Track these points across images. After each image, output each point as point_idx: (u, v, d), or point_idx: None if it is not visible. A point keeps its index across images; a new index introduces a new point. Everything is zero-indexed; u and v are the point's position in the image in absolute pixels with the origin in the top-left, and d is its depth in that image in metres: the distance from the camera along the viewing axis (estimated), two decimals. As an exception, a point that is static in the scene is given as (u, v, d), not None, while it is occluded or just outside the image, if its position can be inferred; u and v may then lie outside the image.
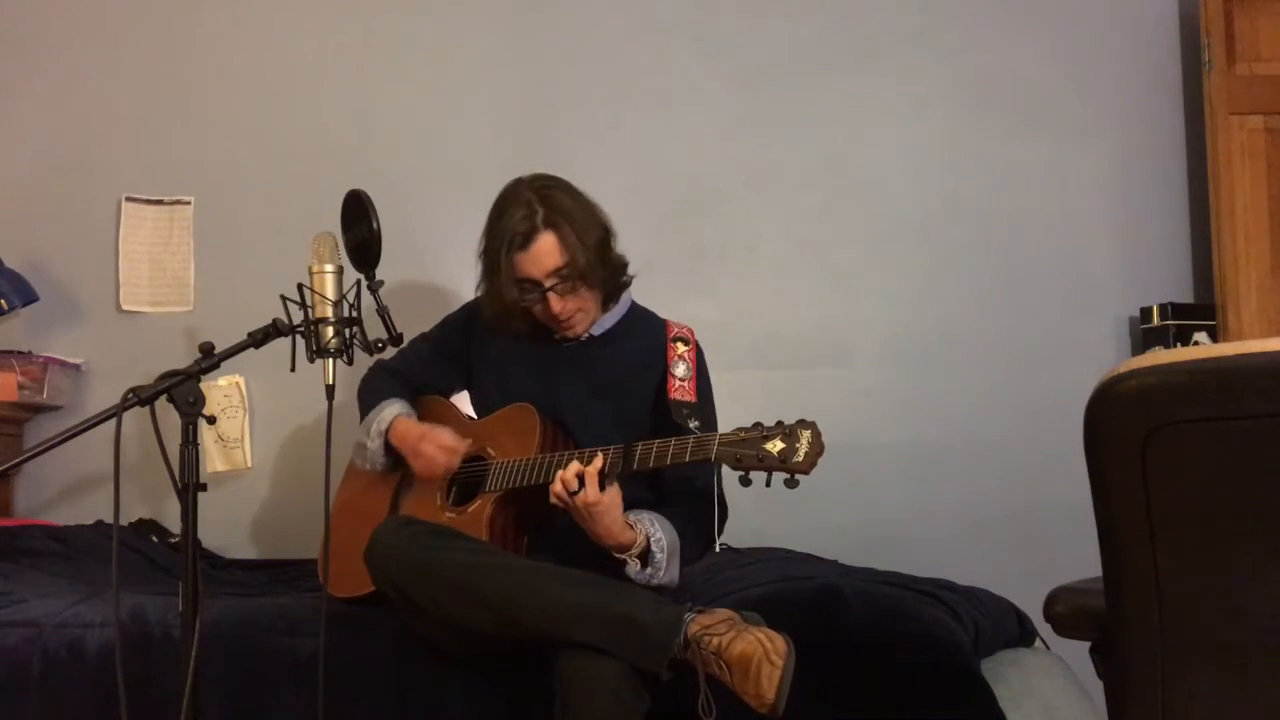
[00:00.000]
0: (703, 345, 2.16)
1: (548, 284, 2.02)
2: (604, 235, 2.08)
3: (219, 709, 1.87)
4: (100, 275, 3.05)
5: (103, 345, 3.02)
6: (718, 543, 1.97)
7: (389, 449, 2.16)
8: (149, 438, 1.54)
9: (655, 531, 1.89)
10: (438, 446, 2.07)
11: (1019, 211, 3.12)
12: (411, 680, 1.89)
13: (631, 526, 1.87)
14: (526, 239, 2.00)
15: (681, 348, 2.09)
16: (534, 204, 2.01)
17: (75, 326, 3.04)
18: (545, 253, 2.00)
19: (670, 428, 1.95)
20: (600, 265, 2.05)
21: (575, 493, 1.81)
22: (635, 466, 1.83)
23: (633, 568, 1.86)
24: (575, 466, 1.83)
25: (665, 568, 1.89)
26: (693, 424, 1.89)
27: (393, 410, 2.17)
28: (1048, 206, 3.12)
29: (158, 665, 1.88)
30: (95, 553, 2.50)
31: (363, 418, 2.22)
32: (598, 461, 1.83)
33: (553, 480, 1.85)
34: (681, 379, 2.04)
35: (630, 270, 2.15)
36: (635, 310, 2.21)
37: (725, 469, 1.86)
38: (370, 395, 2.25)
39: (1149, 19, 3.16)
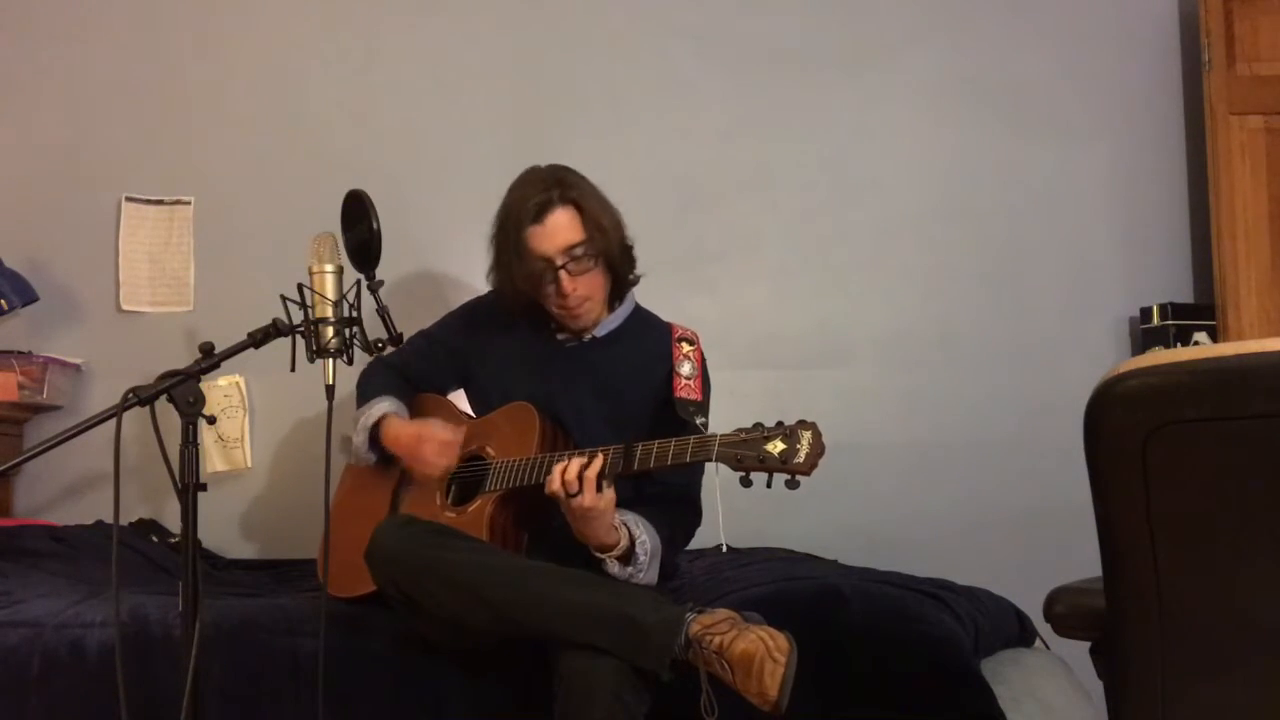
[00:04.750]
0: (703, 345, 2.16)
1: (560, 261, 2.01)
2: (619, 221, 2.08)
3: (219, 709, 1.87)
4: (100, 275, 3.05)
5: (103, 345, 3.02)
6: (721, 540, 1.98)
7: (375, 445, 2.14)
8: (149, 438, 1.53)
9: (640, 534, 1.90)
10: (437, 444, 2.05)
11: (1019, 211, 3.12)
12: (411, 680, 1.89)
13: (617, 529, 1.88)
14: (542, 210, 1.99)
15: (687, 347, 2.09)
16: (550, 181, 2.02)
17: (75, 326, 3.03)
18: (562, 226, 2.00)
19: (673, 426, 1.95)
20: (616, 246, 2.05)
21: (574, 495, 1.81)
22: (636, 467, 1.83)
23: (611, 567, 1.87)
24: (577, 464, 1.82)
25: (645, 570, 1.90)
26: (699, 420, 1.89)
27: (381, 408, 2.15)
28: (1048, 206, 3.12)
29: (158, 665, 1.88)
30: (95, 553, 2.50)
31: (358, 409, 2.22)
32: (597, 464, 1.82)
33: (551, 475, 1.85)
34: (687, 378, 2.04)
35: (636, 269, 2.15)
36: (639, 313, 2.21)
37: (708, 475, 1.85)
38: (366, 389, 2.25)
39: (1149, 19, 3.16)
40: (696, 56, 3.13)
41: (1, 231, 3.02)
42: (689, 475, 2.04)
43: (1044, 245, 3.11)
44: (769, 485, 1.73)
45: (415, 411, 2.23)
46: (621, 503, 1.95)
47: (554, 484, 1.82)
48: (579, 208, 2.00)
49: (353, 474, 2.29)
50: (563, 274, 2.01)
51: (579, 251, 2.00)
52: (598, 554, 1.88)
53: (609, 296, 2.12)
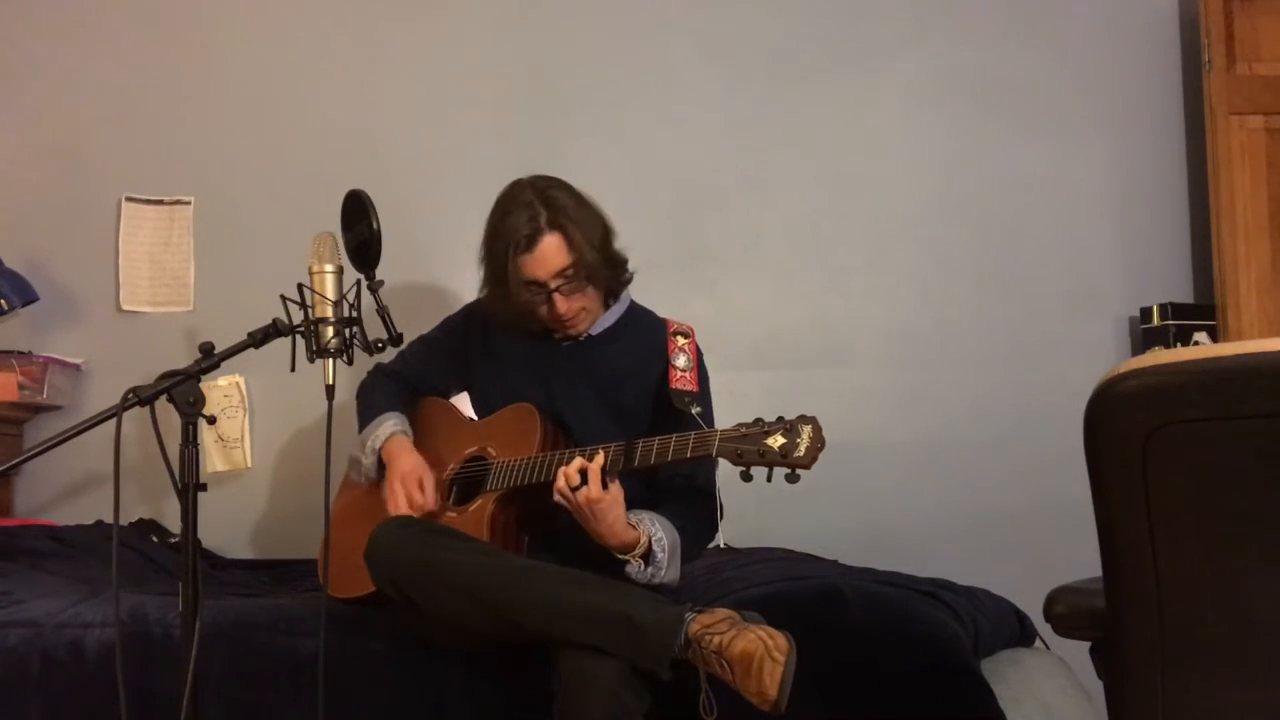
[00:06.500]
0: (703, 345, 2.16)
1: (553, 285, 2.02)
2: (605, 233, 2.08)
3: (219, 709, 1.87)
4: (100, 275, 3.05)
5: (103, 345, 3.02)
6: (721, 540, 1.96)
7: (382, 465, 2.15)
8: (149, 438, 1.54)
9: (656, 531, 1.89)
10: (412, 490, 2.05)
11: (1019, 211, 3.12)
12: (411, 680, 1.89)
13: (634, 527, 1.87)
14: (531, 240, 2.00)
15: (681, 340, 2.10)
16: (536, 205, 2.01)
17: (75, 326, 3.04)
18: (551, 253, 2.00)
19: (671, 419, 1.95)
20: (604, 263, 2.06)
21: (577, 489, 1.81)
22: (637, 463, 1.83)
23: (634, 568, 1.86)
24: (579, 462, 1.83)
25: (666, 567, 1.89)
26: (695, 410, 1.89)
27: (388, 428, 2.16)
28: (1048, 206, 3.12)
29: (158, 665, 1.88)
30: (95, 553, 2.50)
31: (361, 424, 2.22)
32: (600, 458, 1.83)
33: (554, 478, 1.85)
34: (683, 370, 2.05)
35: (630, 268, 2.15)
36: (634, 309, 2.21)
37: (722, 470, 1.85)
38: (369, 403, 2.24)
39: (1149, 19, 3.16)
40: (696, 56, 3.13)
41: (1, 231, 3.03)
42: (698, 469, 2.04)
43: (1044, 245, 3.11)
44: (769, 479, 1.73)
45: (419, 419, 2.23)
46: (639, 502, 1.95)
47: (559, 483, 1.83)
48: (567, 231, 2.00)
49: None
50: (556, 296, 2.03)
51: (571, 273, 2.01)
52: (620, 555, 1.87)
53: (604, 298, 2.13)
